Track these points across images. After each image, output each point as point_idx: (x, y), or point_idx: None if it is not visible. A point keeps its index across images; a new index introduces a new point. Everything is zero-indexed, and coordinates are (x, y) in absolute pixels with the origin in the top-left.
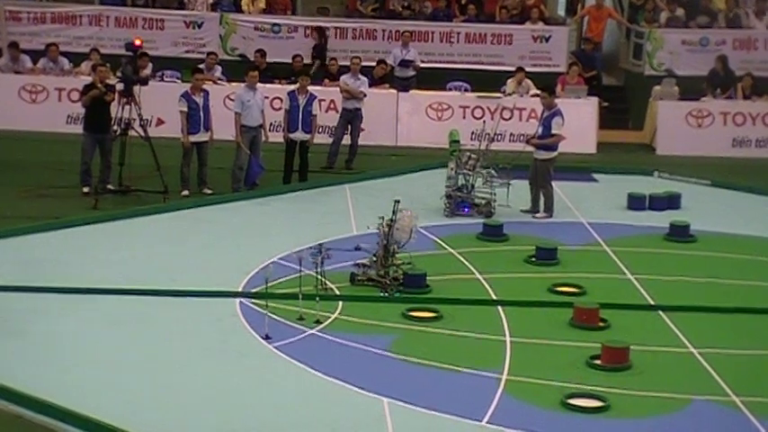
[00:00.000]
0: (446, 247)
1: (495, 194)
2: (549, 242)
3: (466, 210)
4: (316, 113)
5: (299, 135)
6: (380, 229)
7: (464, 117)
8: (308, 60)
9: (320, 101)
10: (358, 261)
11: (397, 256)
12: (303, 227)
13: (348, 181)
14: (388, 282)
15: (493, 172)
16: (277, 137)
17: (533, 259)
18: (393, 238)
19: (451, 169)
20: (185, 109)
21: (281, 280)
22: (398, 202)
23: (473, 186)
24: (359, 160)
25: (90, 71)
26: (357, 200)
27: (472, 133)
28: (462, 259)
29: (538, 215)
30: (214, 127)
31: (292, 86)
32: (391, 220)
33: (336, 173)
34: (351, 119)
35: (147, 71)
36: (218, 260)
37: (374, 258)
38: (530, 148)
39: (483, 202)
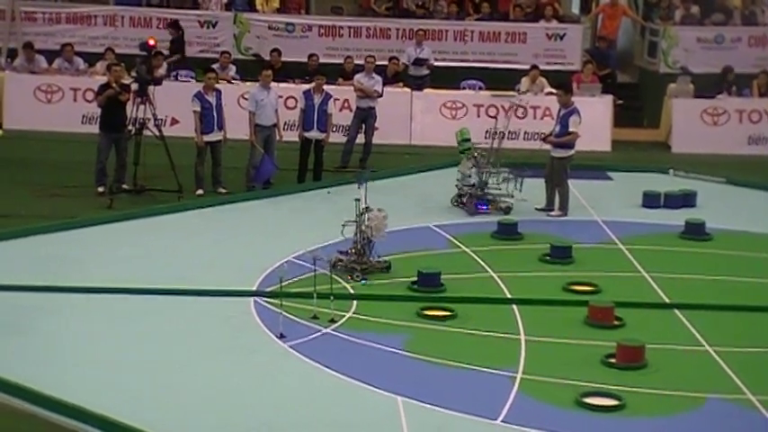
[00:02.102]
0: (460, 245)
1: (512, 191)
2: (564, 240)
3: (484, 207)
4: (331, 112)
5: (314, 134)
6: (357, 228)
7: (478, 116)
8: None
9: (335, 100)
10: (341, 249)
11: (375, 254)
12: (317, 226)
13: (358, 179)
14: (357, 270)
15: (507, 169)
16: (292, 136)
17: (548, 258)
18: (371, 234)
19: (470, 168)
20: (198, 109)
21: (295, 279)
22: (358, 201)
23: (486, 184)
24: (373, 159)
25: (105, 71)
26: (371, 199)
27: (486, 132)
28: (476, 258)
29: (553, 213)
30: (228, 126)
31: (307, 86)
32: (360, 216)
33: (350, 171)
34: (365, 118)
35: (162, 71)
36: (232, 259)
37: (353, 249)
38: (546, 146)
39: (500, 198)
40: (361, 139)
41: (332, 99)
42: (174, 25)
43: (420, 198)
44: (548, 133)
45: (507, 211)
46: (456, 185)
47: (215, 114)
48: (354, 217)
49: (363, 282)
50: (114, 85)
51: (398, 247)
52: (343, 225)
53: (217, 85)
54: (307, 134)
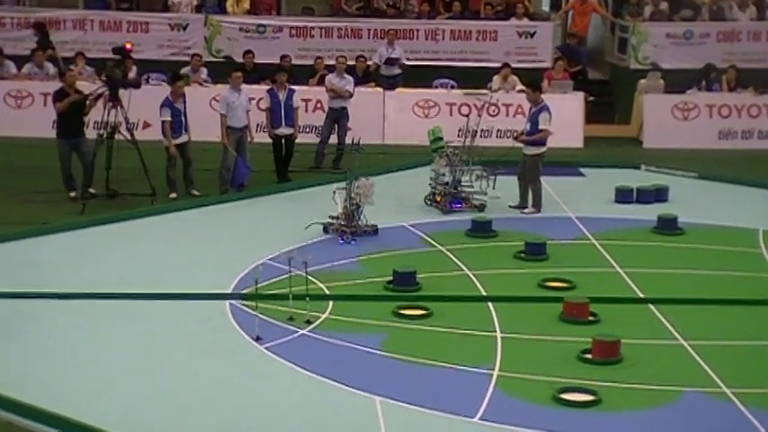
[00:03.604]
0: (435, 244)
1: (486, 189)
2: (538, 237)
3: (458, 205)
4: (298, 106)
5: (283, 130)
6: (347, 193)
7: (451, 114)
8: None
9: (306, 100)
10: (331, 213)
11: (363, 218)
12: (292, 227)
13: (336, 180)
14: (347, 232)
15: (480, 167)
16: (263, 137)
17: (522, 255)
18: (360, 200)
19: (443, 166)
20: (169, 118)
21: (270, 281)
22: (349, 170)
23: (460, 182)
24: (346, 159)
25: (79, 75)
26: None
27: (459, 130)
28: (451, 256)
29: (526, 210)
30: (200, 129)
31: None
32: (349, 183)
33: (324, 172)
34: (337, 118)
35: (132, 74)
36: (207, 262)
37: (342, 214)
38: (519, 145)
39: (474, 196)
40: (334, 139)
41: (296, 93)
42: (37, 26)
43: (394, 197)
44: (519, 132)
45: (481, 208)
46: (430, 184)
47: (183, 119)
48: (345, 185)
49: (353, 242)
50: (70, 89)
51: (374, 247)
52: (334, 192)
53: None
54: (276, 131)
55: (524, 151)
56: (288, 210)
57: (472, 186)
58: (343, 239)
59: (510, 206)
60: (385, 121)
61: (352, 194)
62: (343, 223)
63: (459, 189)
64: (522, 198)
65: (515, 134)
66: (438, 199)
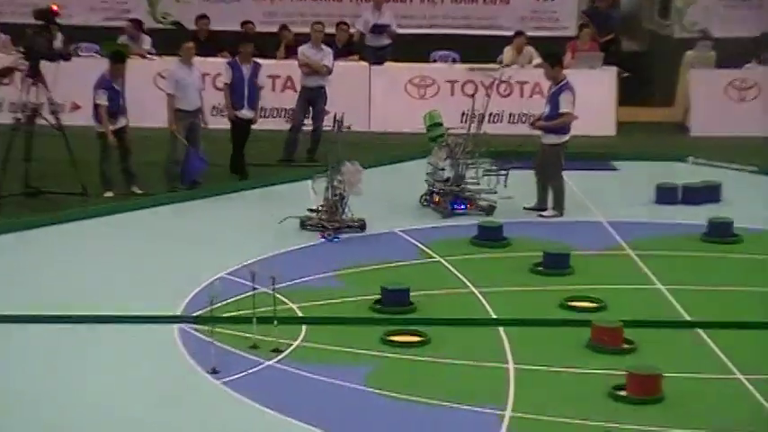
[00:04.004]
0: (433, 254)
1: (495, 187)
2: (560, 246)
3: (461, 207)
4: (263, 86)
5: (246, 113)
6: (329, 181)
7: (452, 94)
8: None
9: (273, 77)
10: (310, 207)
11: (349, 211)
12: (256, 234)
13: (311, 176)
14: (329, 228)
15: (488, 160)
16: (220, 121)
17: (541, 268)
18: (344, 190)
19: (442, 159)
20: (105, 102)
21: (229, 300)
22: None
23: (463, 178)
24: (323, 150)
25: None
26: (321, 199)
27: (462, 114)
28: (453, 269)
29: (545, 213)
30: (143, 111)
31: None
32: (332, 169)
33: (297, 165)
34: (312, 99)
35: (58, 44)
36: (151, 277)
37: (323, 206)
38: (536, 132)
39: (480, 196)
40: (309, 126)
41: (262, 69)
42: None
43: (382, 197)
44: (537, 116)
45: (489, 211)
46: (426, 181)
47: (121, 101)
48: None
49: (335, 240)
50: None
51: (357, 258)
52: (313, 180)
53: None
54: (238, 113)
55: (543, 140)
56: (252, 213)
57: (479, 184)
58: (324, 237)
59: (525, 208)
60: (371, 103)
61: (335, 183)
62: (324, 218)
63: (462, 187)
64: (540, 198)
65: (531, 119)
66: (437, 199)
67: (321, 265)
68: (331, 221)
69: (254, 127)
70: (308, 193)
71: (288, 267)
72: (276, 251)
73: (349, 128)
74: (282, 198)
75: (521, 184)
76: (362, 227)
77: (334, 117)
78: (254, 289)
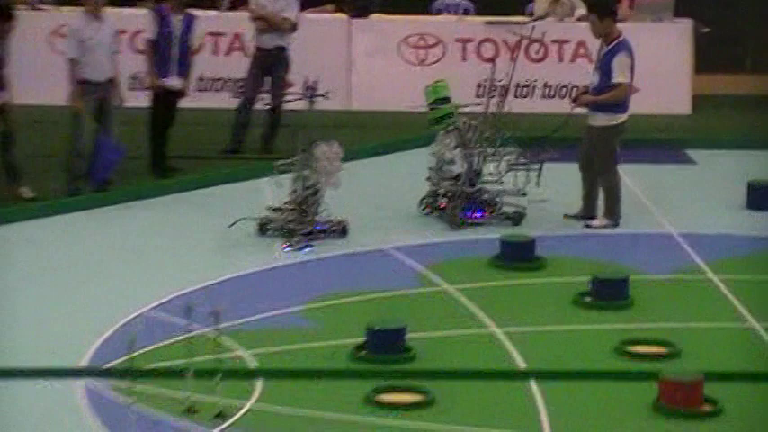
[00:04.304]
0: (438, 281)
1: (525, 186)
2: (615, 269)
3: (478, 215)
4: (198, 45)
5: (175, 82)
6: (298, 170)
7: (464, 59)
8: None
9: (215, 36)
10: (273, 206)
11: (324, 210)
12: (192, 253)
13: (268, 172)
14: (297, 233)
15: (514, 149)
16: (141, 98)
17: (588, 299)
18: (318, 180)
19: (451, 148)
20: None
21: (155, 345)
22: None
23: (479, 174)
24: (285, 137)
25: None
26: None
27: (479, 86)
28: (466, 301)
29: (594, 223)
30: (31, 85)
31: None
32: (302, 153)
33: (248, 158)
34: (269, 65)
35: None
36: (49, 314)
37: (290, 204)
38: (581, 110)
39: (503, 199)
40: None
41: (198, 23)
42: None
43: (368, 202)
44: (581, 88)
45: (517, 220)
46: (429, 179)
47: (3, 71)
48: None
49: (308, 250)
50: None
51: (334, 286)
52: (276, 169)
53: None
54: (164, 83)
55: (590, 121)
56: (186, 222)
57: (501, 183)
58: (290, 246)
59: (567, 216)
60: (352, 69)
61: (307, 171)
62: (291, 219)
63: (478, 187)
64: (586, 202)
65: (574, 93)
66: (443, 204)
67: (284, 295)
68: (301, 224)
69: (185, 103)
70: (263, 195)
71: (238, 298)
72: (222, 275)
73: (326, 95)
74: (228, 203)
75: (560, 183)
76: (343, 231)
77: (305, 83)
78: (191, 329)
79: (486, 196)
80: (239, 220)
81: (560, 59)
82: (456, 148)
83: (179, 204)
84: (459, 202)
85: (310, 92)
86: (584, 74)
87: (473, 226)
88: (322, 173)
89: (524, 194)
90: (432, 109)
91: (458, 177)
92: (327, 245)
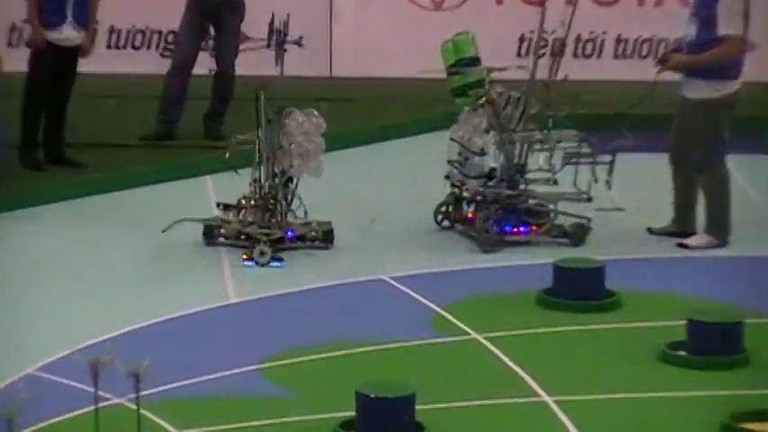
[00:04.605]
0: (461, 326)
1: (589, 186)
2: (722, 309)
3: (521, 230)
4: None
5: (69, 33)
6: (263, 151)
7: (499, 0)
8: None
9: None
10: (225, 203)
11: (302, 208)
12: (103, 286)
13: (212, 167)
14: (263, 241)
15: (574, 132)
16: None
17: (682, 353)
18: (291, 165)
19: (481, 129)
20: None
21: (44, 424)
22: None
23: (523, 170)
24: (236, 117)
25: None
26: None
27: (521, 40)
28: (503, 357)
29: (691, 242)
30: None
31: None
32: (269, 124)
33: (183, 146)
34: (214, 11)
35: None
36: None
37: (250, 199)
38: (671, 77)
39: (556, 206)
40: (205, 65)
41: None
42: None
43: (361, 208)
44: (671, 43)
45: (577, 236)
46: (448, 176)
47: None
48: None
49: (277, 265)
50: None
51: (312, 332)
52: (232, 144)
53: None
54: (54, 35)
55: (686, 92)
56: (91, 239)
57: (554, 182)
58: (251, 260)
59: (652, 231)
60: (333, 19)
61: (276, 151)
62: (252, 220)
63: (522, 190)
64: (680, 211)
65: (663, 50)
66: (470, 214)
67: (238, 345)
68: (267, 227)
69: (87, 66)
70: (207, 198)
71: (169, 350)
72: (145, 315)
73: (299, 42)
74: (153, 211)
75: (640, 183)
76: (326, 238)
77: (271, 23)
78: (98, 397)
79: (532, 203)
80: (177, 222)
81: (640, 2)
82: (488, 131)
83: (82, 213)
84: (493, 210)
85: (280, 34)
86: (676, 23)
87: (513, 246)
88: (296, 154)
89: (589, 199)
90: (452, 74)
91: (491, 175)
92: (302, 261)
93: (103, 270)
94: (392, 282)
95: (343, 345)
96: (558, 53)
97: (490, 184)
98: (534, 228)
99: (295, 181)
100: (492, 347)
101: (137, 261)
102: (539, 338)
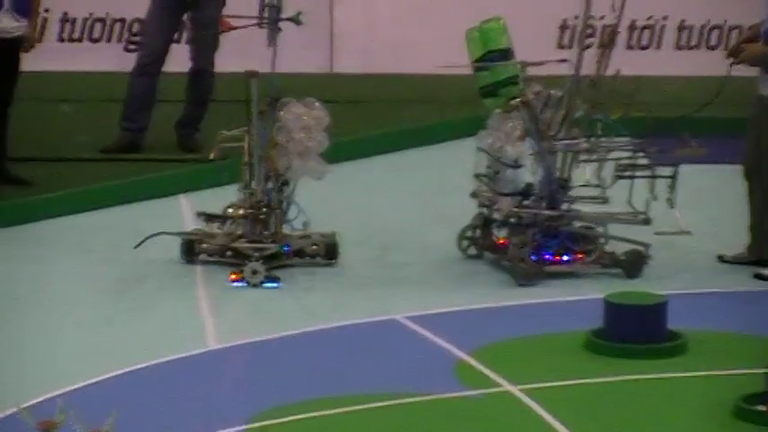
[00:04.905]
0: (493, 377)
1: (649, 203)
2: None
3: (565, 259)
4: None
5: (9, 23)
6: (252, 149)
7: None
8: None
9: None
10: (208, 212)
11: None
12: (54, 328)
13: (186, 184)
14: (255, 258)
15: (629, 138)
16: None
17: (762, 408)
18: (288, 166)
19: (514, 137)
20: None
21: None
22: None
23: (567, 184)
24: (214, 123)
25: None
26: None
27: (562, 29)
28: (545, 413)
29: None
30: None
31: None
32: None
33: (153, 159)
34: (188, 3)
35: None
36: None
37: (238, 208)
38: (742, 71)
39: (606, 229)
40: (180, 63)
41: None
42: None
43: (368, 231)
44: (746, 33)
45: (633, 266)
46: (476, 194)
47: None
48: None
49: (273, 285)
50: None
51: (309, 385)
52: (217, 141)
53: None
54: None
55: (762, 91)
56: (38, 271)
57: (606, 201)
58: (242, 281)
59: (723, 259)
60: (334, 6)
61: (271, 148)
62: (240, 233)
63: (565, 210)
64: (756, 235)
65: (733, 40)
66: (502, 240)
67: (223, 399)
68: (259, 241)
69: (32, 63)
70: (180, 216)
71: (137, 405)
72: (107, 368)
73: (298, 19)
74: (119, 234)
75: (709, 200)
76: (331, 254)
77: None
78: None
79: (577, 226)
80: (151, 236)
81: None
82: (523, 139)
83: (27, 241)
84: (530, 235)
85: (272, 11)
86: (751, 7)
87: (555, 278)
88: (294, 152)
89: (647, 221)
90: (479, 70)
91: (527, 192)
92: (301, 283)
93: (54, 310)
94: (407, 322)
95: (348, 400)
96: (607, 44)
97: (526, 202)
98: (580, 256)
99: (292, 185)
100: (529, 401)
101: (96, 297)
102: (586, 390)
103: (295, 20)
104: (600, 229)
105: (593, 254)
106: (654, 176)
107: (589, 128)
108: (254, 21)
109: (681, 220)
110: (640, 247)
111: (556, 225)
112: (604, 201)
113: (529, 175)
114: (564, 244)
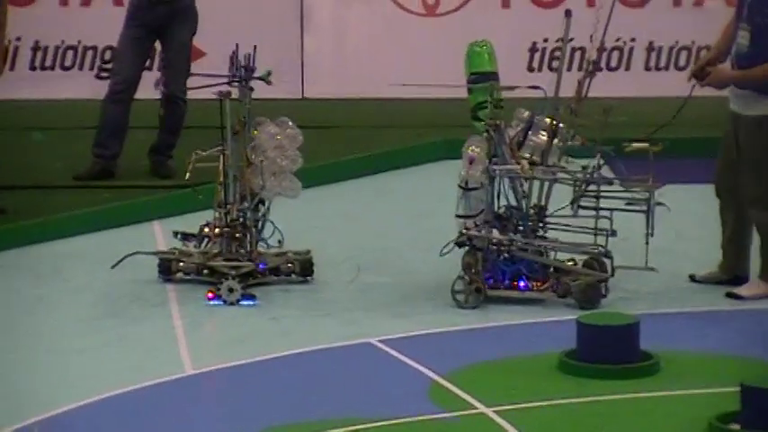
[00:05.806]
0: (466, 398)
1: (609, 229)
2: None
3: (521, 284)
4: None
5: None
6: (228, 167)
7: (505, 3)
8: None
9: None
10: (184, 231)
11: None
12: (32, 356)
13: (160, 210)
14: (231, 277)
15: (606, 150)
16: None
17: (735, 426)
18: (263, 184)
19: (483, 160)
20: None
21: None
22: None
23: (542, 213)
24: (187, 149)
25: None
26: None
27: (531, 53)
28: None
29: (745, 291)
30: None
31: None
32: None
33: (125, 186)
34: (159, 30)
35: None
36: None
37: (214, 225)
38: (715, 92)
39: (578, 250)
40: (152, 90)
41: None
42: None
43: (344, 252)
44: (709, 53)
45: (586, 300)
46: (460, 217)
47: None
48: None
49: (249, 303)
50: None
51: (291, 411)
52: (192, 160)
53: None
54: None
55: (737, 108)
56: (10, 299)
57: (598, 230)
58: (217, 298)
59: (695, 279)
60: (304, 32)
61: (246, 167)
62: (216, 252)
63: (538, 226)
64: (729, 254)
65: (700, 58)
66: (478, 263)
67: (199, 427)
68: (235, 259)
69: (4, 92)
70: (153, 242)
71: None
72: (81, 395)
73: (267, 78)
74: (92, 260)
75: (681, 220)
76: (306, 271)
77: (232, 57)
78: None
79: (546, 247)
80: (128, 256)
81: (676, 2)
82: (482, 162)
83: (4, 267)
84: (479, 258)
85: (244, 73)
86: (718, 30)
87: (524, 302)
88: (268, 171)
89: (607, 255)
90: (473, 92)
91: (506, 214)
92: (277, 300)
93: (30, 337)
94: (380, 345)
95: (323, 424)
96: (590, 71)
97: (505, 225)
98: (536, 284)
99: (267, 204)
100: (504, 423)
101: (72, 324)
102: (561, 411)
103: (265, 79)
104: (557, 258)
105: (546, 282)
106: (632, 200)
107: (562, 150)
108: (225, 80)
109: (655, 242)
110: (596, 279)
111: (519, 251)
112: (594, 230)
113: (509, 195)
114: (519, 270)
